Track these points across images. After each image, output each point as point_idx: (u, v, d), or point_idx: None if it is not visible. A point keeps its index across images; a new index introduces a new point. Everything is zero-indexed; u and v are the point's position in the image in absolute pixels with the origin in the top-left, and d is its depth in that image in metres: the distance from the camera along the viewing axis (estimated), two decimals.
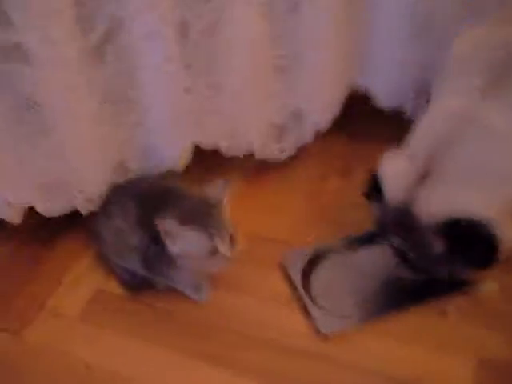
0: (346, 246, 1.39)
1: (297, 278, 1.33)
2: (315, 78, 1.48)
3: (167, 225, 1.16)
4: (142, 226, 1.24)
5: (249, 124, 1.46)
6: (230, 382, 1.18)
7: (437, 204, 1.14)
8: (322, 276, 1.35)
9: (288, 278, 1.35)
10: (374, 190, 1.22)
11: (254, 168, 1.64)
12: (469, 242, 1.12)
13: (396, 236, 1.20)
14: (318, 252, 1.38)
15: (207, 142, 1.46)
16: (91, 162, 1.36)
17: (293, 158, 1.61)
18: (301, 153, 1.61)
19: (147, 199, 1.27)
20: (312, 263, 1.36)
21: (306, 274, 1.34)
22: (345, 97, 1.57)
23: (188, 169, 1.51)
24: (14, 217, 1.38)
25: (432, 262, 1.19)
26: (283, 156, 1.56)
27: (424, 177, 1.15)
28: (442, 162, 1.15)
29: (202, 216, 1.16)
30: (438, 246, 1.15)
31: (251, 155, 1.54)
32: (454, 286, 1.27)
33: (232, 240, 1.17)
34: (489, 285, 1.29)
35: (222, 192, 1.19)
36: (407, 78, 1.49)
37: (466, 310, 1.25)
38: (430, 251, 1.16)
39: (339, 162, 1.65)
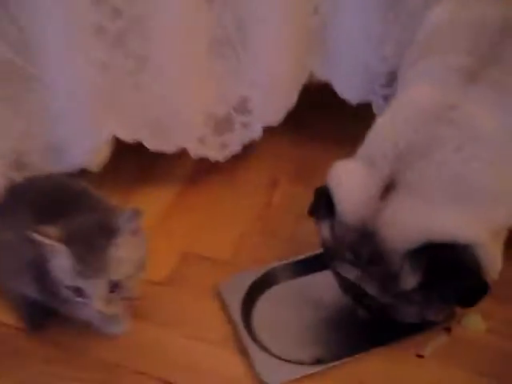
0: (296, 270, 1.15)
1: (235, 311, 1.07)
2: (265, 61, 1.24)
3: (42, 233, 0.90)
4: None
5: (182, 112, 1.20)
6: None
7: (406, 224, 0.88)
8: (267, 308, 1.10)
9: (226, 310, 1.10)
10: (323, 205, 0.96)
11: (192, 171, 1.39)
12: (449, 273, 0.88)
13: (351, 266, 0.93)
14: (263, 277, 1.13)
15: (127, 134, 1.19)
16: None
17: (238, 159, 1.35)
18: (247, 153, 1.36)
19: (46, 206, 1.01)
20: (255, 291, 1.12)
21: (248, 304, 1.09)
22: (301, 87, 1.32)
23: (108, 169, 1.27)
24: None
25: (399, 303, 0.94)
26: (225, 154, 1.29)
27: (388, 189, 0.89)
28: (412, 170, 0.89)
29: (89, 243, 0.91)
30: (410, 280, 0.89)
31: (187, 154, 1.28)
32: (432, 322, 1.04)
33: (115, 291, 0.92)
34: (473, 319, 1.08)
35: (125, 223, 0.92)
36: (374, 65, 1.27)
37: (447, 350, 1.04)
38: (398, 287, 0.90)
39: (292, 165, 1.40)
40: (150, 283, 1.11)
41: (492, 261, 0.90)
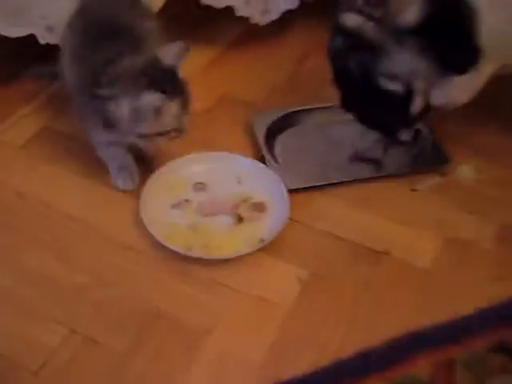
0: (313, 114, 1.31)
1: (261, 136, 1.24)
2: None
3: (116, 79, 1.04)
4: (79, 58, 1.12)
5: None
6: None
7: None
8: (289, 142, 1.27)
9: (253, 137, 1.26)
10: None
11: (240, 33, 1.55)
12: (447, 20, 0.96)
13: (351, 12, 1.01)
14: (286, 116, 1.29)
15: None
16: None
17: (277, 29, 1.52)
18: (286, 23, 1.52)
19: (97, 30, 1.13)
20: (280, 127, 1.28)
21: (272, 135, 1.26)
22: None
23: (170, 17, 1.38)
24: None
25: (392, 44, 0.99)
26: (266, 19, 1.45)
27: None
28: None
29: (154, 77, 1.04)
30: (411, 15, 0.96)
31: (238, 21, 1.45)
32: (430, 163, 1.22)
33: (184, 106, 1.06)
34: (466, 169, 1.23)
35: (179, 55, 1.08)
36: None
37: (439, 189, 1.19)
38: (399, 23, 0.97)
39: (322, 40, 1.51)
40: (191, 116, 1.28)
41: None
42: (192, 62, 1.28)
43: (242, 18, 1.44)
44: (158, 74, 1.04)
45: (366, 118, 1.13)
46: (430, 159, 1.22)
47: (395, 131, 1.12)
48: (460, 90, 1.05)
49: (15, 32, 1.28)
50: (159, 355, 0.92)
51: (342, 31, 1.04)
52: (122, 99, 1.03)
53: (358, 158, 1.22)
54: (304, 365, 0.90)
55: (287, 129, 1.29)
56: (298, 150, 1.25)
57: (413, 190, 1.19)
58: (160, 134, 1.06)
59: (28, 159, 1.23)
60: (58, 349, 0.92)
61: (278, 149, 1.24)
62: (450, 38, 0.96)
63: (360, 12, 1.00)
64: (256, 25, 1.47)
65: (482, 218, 1.13)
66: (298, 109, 1.31)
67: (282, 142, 1.26)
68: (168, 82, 1.04)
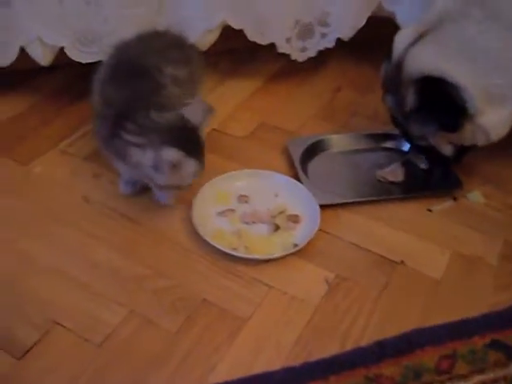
0: (343, 142, 1.48)
1: (297, 160, 1.41)
2: None
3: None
4: (106, 99, 1.18)
5: (276, 14, 1.54)
6: None
7: (418, 60, 1.21)
8: (320, 164, 1.44)
9: (290, 159, 1.43)
10: (386, 55, 1.31)
11: (280, 68, 1.75)
12: (437, 99, 1.20)
13: (389, 93, 1.28)
14: (318, 142, 1.46)
15: (236, 23, 1.53)
16: (126, 19, 1.43)
17: (313, 65, 1.71)
18: (322, 60, 1.71)
19: (126, 70, 1.21)
20: (313, 151, 1.45)
21: (306, 157, 1.43)
22: (370, 13, 1.64)
23: (215, 57, 1.62)
24: (44, 57, 1.45)
25: (408, 121, 1.27)
26: (304, 55, 1.63)
27: (422, 36, 1.23)
28: (440, 28, 1.21)
29: (178, 135, 1.13)
30: (411, 101, 1.22)
31: (280, 57, 1.63)
32: (443, 187, 1.38)
33: (201, 165, 1.16)
34: (476, 195, 1.38)
35: (204, 116, 1.16)
36: None
37: (451, 211, 1.34)
38: (405, 107, 1.24)
39: (354, 76, 1.75)
40: (235, 137, 1.47)
41: (488, 123, 1.22)
42: (238, 92, 1.50)
43: (283, 54, 1.62)
44: (181, 132, 1.13)
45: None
46: (445, 184, 1.39)
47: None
48: (475, 136, 1.26)
49: (87, 58, 1.47)
50: (204, 336, 1.07)
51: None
52: (144, 149, 1.10)
53: (381, 180, 1.39)
54: (327, 350, 1.05)
55: (319, 153, 1.45)
56: (327, 172, 1.41)
57: (428, 211, 1.34)
58: (175, 187, 1.17)
59: (92, 169, 1.39)
60: (119, 326, 1.08)
61: (310, 169, 1.41)
62: (440, 111, 1.21)
63: (392, 94, 1.27)
64: (295, 60, 1.66)
65: (488, 237, 1.28)
66: (329, 136, 1.48)
67: (314, 164, 1.43)
68: (189, 142, 1.13)
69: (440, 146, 1.30)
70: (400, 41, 1.26)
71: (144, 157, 1.11)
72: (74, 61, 1.46)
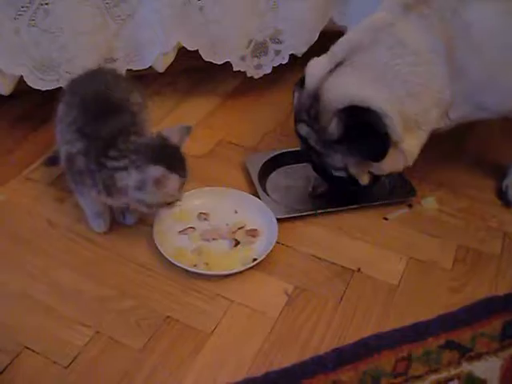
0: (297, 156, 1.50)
1: (255, 177, 1.45)
2: (297, 5, 1.61)
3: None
4: (80, 132, 1.21)
5: (230, 35, 1.58)
6: None
7: (339, 90, 1.21)
8: (278, 178, 1.49)
9: (248, 176, 1.47)
10: (299, 83, 1.31)
11: (231, 88, 1.80)
12: (360, 129, 1.21)
13: (303, 123, 1.28)
14: (277, 158, 1.51)
15: (190, 44, 1.57)
16: (84, 45, 1.46)
17: (270, 81, 1.75)
18: (278, 76, 1.74)
19: (95, 105, 1.23)
20: (270, 166, 1.50)
21: (263, 173, 1.47)
22: (321, 29, 1.70)
23: (173, 76, 1.66)
24: (5, 87, 1.48)
25: (328, 151, 1.27)
26: (260, 72, 1.68)
27: (337, 66, 1.23)
28: (356, 56, 1.22)
29: (160, 152, 1.17)
30: (334, 132, 1.22)
31: (236, 75, 1.67)
32: (400, 196, 1.43)
33: (183, 180, 1.20)
34: (430, 200, 1.44)
35: (182, 136, 1.21)
36: None
37: (407, 218, 1.40)
38: (327, 137, 1.24)
39: None
40: (195, 157, 1.50)
41: (408, 148, 1.25)
42: (197, 111, 1.53)
43: (240, 71, 1.67)
44: (163, 150, 1.17)
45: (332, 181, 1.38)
46: (399, 193, 1.43)
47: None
48: (395, 162, 1.29)
49: (46, 85, 1.49)
50: (169, 353, 1.10)
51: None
52: (129, 171, 1.14)
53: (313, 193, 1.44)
54: (288, 359, 1.09)
55: (276, 168, 1.50)
56: (285, 186, 1.46)
57: (385, 219, 1.39)
58: (161, 204, 1.21)
59: (56, 193, 1.42)
60: (86, 347, 1.11)
61: (269, 184, 1.46)
62: (365, 140, 1.21)
63: (307, 123, 1.26)
64: (252, 77, 1.70)
65: (442, 242, 1.34)
66: (285, 150, 1.52)
67: (272, 178, 1.48)
68: (171, 158, 1.17)
69: (359, 175, 1.32)
70: (314, 70, 1.27)
71: (129, 178, 1.15)
72: (34, 88, 1.49)
